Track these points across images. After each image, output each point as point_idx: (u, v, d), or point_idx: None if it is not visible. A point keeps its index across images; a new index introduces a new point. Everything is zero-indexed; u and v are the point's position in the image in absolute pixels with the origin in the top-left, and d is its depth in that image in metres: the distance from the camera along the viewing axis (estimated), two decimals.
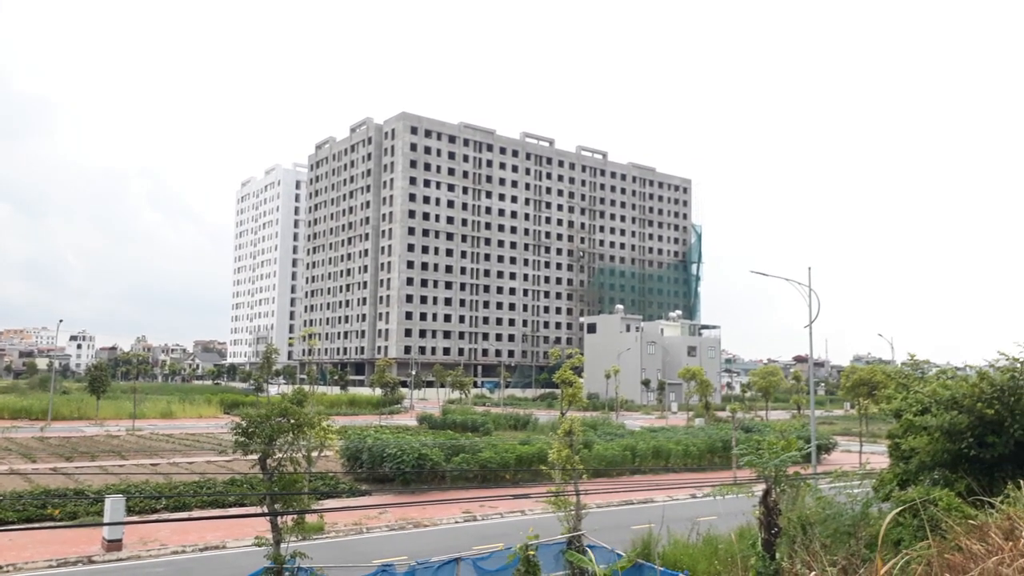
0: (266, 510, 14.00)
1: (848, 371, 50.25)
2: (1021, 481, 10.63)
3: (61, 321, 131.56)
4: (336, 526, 24.04)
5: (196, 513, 25.52)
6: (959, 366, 23.54)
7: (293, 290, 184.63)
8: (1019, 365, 14.11)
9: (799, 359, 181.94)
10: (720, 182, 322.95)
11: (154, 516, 24.91)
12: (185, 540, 22.02)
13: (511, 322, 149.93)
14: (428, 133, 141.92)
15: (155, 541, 21.80)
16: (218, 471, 33.00)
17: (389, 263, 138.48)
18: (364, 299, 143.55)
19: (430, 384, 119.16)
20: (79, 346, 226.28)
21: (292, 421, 14.49)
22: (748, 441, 20.66)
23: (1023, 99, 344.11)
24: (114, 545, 20.68)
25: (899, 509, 13.05)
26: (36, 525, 22.55)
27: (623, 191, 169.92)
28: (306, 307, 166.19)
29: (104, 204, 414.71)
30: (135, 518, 23.84)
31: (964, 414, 13.76)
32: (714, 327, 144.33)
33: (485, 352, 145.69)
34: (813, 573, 4.95)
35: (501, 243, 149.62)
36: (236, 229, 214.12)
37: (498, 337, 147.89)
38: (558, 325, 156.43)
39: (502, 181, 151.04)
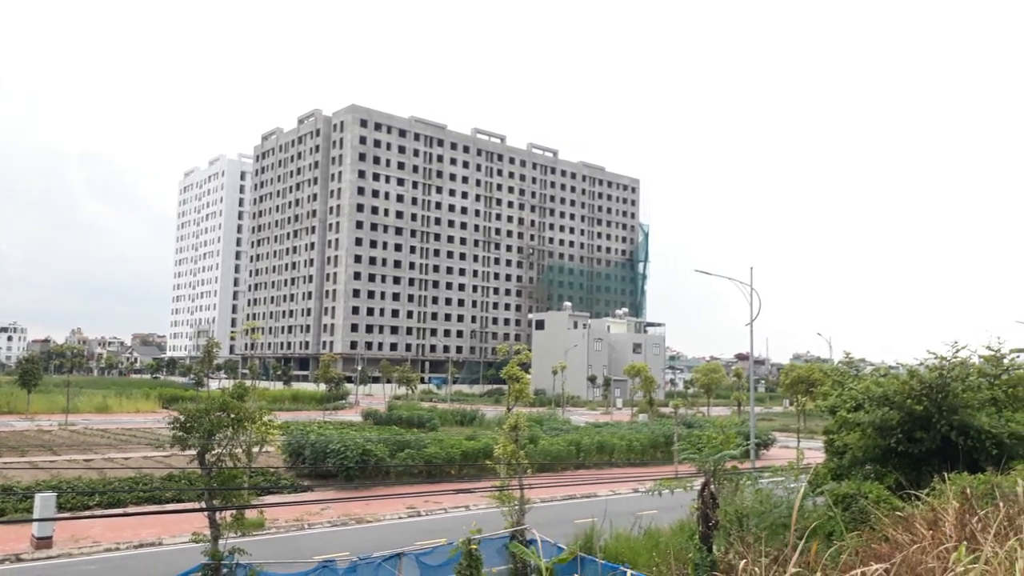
0: (204, 506, 13.70)
1: (787, 369, 51.58)
2: (946, 474, 11.05)
3: None
4: (277, 522, 23.66)
5: (131, 509, 24.82)
6: (892, 364, 24.37)
7: (236, 283, 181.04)
8: (947, 363, 14.70)
9: (741, 357, 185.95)
10: (667, 182, 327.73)
11: (87, 513, 24.14)
12: (119, 537, 21.40)
13: (459, 318, 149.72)
14: (378, 126, 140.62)
15: (87, 538, 21.14)
16: (155, 467, 32.18)
17: (336, 257, 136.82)
18: (309, 293, 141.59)
19: (376, 380, 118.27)
20: (10, 338, 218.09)
21: (232, 416, 14.24)
22: (690, 436, 21.03)
23: (955, 101, 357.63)
24: (44, 543, 19.99)
25: (832, 502, 13.45)
26: None
27: (573, 189, 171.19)
28: (249, 300, 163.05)
29: (43, 191, 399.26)
30: (66, 515, 23.07)
31: (895, 410, 14.27)
32: (659, 324, 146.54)
33: (433, 348, 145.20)
34: (744, 561, 5.09)
35: (451, 239, 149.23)
36: (178, 220, 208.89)
37: (446, 333, 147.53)
38: (507, 321, 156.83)
39: (453, 176, 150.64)
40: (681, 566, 12.02)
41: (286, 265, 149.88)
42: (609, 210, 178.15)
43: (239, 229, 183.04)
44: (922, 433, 14.11)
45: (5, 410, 63.07)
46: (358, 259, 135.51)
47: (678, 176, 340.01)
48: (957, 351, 14.92)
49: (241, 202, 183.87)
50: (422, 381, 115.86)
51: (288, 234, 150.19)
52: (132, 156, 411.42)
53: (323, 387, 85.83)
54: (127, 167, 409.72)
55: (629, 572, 13.70)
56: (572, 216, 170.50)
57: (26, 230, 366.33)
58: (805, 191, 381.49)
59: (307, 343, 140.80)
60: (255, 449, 20.77)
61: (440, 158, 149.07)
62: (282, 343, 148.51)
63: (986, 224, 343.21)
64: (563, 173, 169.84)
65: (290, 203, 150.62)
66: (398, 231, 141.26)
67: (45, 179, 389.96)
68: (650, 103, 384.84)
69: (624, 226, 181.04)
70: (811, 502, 14.47)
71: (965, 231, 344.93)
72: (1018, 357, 19.00)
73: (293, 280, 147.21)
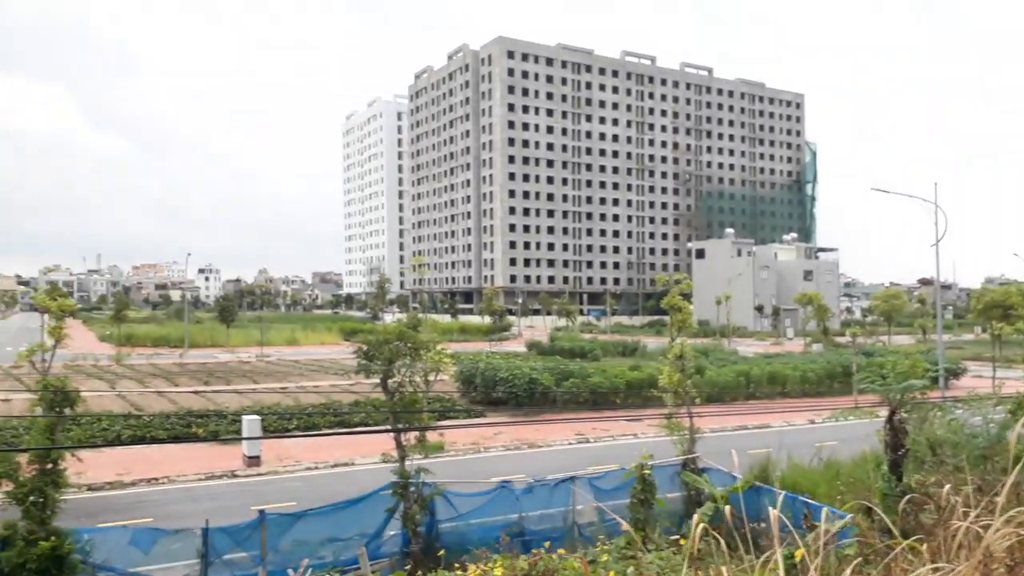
0: (390, 428, 14.70)
1: (979, 293, 47.27)
2: None
3: (190, 255, 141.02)
4: (455, 445, 25.04)
5: (325, 431, 27.12)
6: None
7: (401, 221, 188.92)
8: None
9: (924, 282, 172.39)
10: (834, 97, 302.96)
11: (287, 434, 26.68)
12: (317, 457, 23.56)
13: (615, 249, 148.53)
14: (525, 57, 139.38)
15: (290, 458, 23.44)
16: (342, 393, 34.87)
17: (491, 192, 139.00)
18: (469, 229, 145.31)
19: (536, 312, 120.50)
20: (207, 279, 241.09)
21: (409, 345, 15.02)
22: (870, 365, 19.85)
23: None
24: (253, 461, 22.39)
25: None
26: (184, 442, 24.66)
27: (731, 109, 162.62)
28: (414, 238, 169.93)
29: (218, 143, 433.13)
30: (270, 436, 25.62)
31: None
32: (832, 250, 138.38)
33: (590, 280, 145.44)
34: (946, 487, 4.80)
35: (603, 168, 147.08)
36: (344, 163, 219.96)
37: (602, 265, 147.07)
38: (664, 251, 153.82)
39: (602, 103, 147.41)
40: (865, 496, 11.57)
41: (445, 203, 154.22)
42: (771, 129, 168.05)
43: (400, 169, 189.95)
44: None
45: (209, 343, 70.30)
46: (512, 194, 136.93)
47: (843, 91, 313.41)
48: None
49: (400, 142, 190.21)
50: (580, 313, 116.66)
51: (445, 172, 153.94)
52: (292, 105, 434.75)
53: (487, 319, 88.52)
54: (285, 117, 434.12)
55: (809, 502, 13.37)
56: (731, 138, 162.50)
57: (209, 180, 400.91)
58: (989, 98, 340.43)
59: (469, 277, 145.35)
60: (431, 376, 21.90)
61: (588, 85, 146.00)
62: (446, 278, 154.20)
63: None
64: (719, 92, 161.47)
65: (445, 141, 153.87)
66: (549, 163, 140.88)
67: (216, 133, 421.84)
68: (810, 12, 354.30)
69: (788, 145, 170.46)
70: (1013, 432, 13.37)
71: None
72: None
73: (453, 217, 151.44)
